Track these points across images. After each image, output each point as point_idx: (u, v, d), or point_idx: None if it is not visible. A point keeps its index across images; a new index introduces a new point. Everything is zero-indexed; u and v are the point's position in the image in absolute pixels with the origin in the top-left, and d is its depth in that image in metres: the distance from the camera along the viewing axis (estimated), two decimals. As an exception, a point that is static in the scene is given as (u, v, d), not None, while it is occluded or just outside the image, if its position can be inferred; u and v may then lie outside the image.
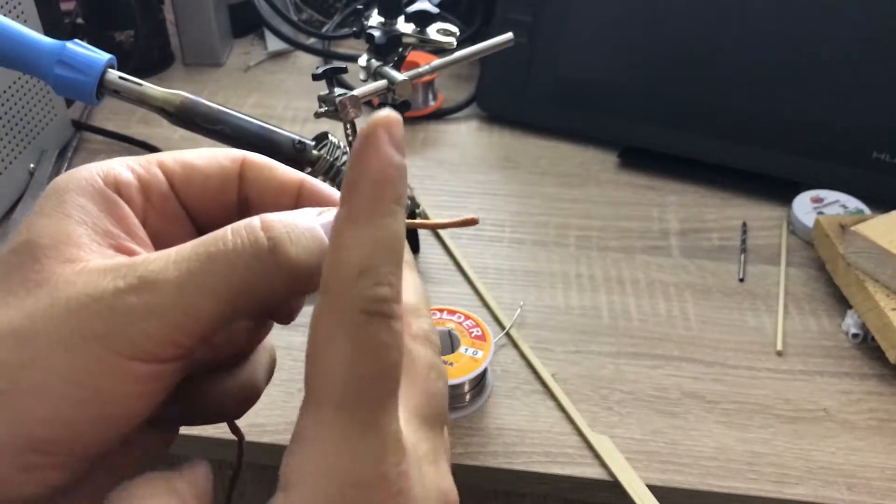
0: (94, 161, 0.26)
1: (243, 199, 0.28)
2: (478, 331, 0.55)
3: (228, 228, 0.24)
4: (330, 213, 0.25)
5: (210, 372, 0.28)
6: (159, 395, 0.24)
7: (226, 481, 0.33)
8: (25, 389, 0.22)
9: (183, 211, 0.28)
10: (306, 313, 0.26)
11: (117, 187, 0.26)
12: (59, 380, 0.22)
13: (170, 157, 0.28)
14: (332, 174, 0.52)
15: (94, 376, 0.22)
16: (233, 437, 0.32)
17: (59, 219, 0.24)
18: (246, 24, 1.01)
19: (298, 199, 0.28)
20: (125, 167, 0.27)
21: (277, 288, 0.24)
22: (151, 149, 0.80)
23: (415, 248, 0.68)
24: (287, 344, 0.59)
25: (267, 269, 0.23)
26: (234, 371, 0.29)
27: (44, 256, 0.23)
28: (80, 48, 0.48)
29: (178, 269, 0.23)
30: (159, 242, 0.27)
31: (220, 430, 0.53)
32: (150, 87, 0.49)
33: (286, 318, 0.28)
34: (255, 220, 0.24)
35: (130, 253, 0.25)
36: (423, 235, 0.70)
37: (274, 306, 0.26)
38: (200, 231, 0.28)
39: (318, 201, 0.27)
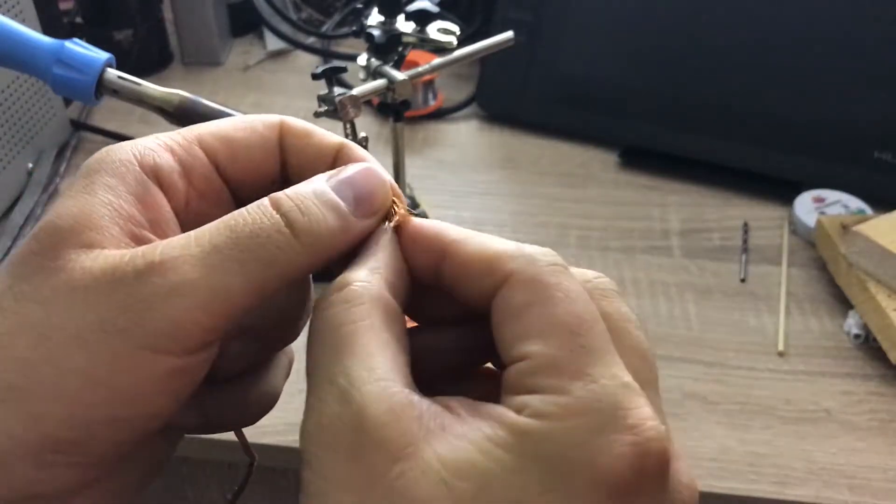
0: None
1: (283, 167, 0.27)
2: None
3: (243, 209, 0.23)
4: (341, 173, 0.25)
5: (229, 378, 0.27)
6: (184, 391, 0.23)
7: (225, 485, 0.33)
8: (42, 388, 0.21)
9: (225, 188, 0.27)
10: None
11: (157, 174, 0.25)
12: (77, 379, 0.21)
13: (209, 134, 0.26)
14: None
15: (113, 374, 0.21)
16: (240, 438, 0.31)
17: (82, 198, 0.23)
18: (245, 23, 1.00)
19: (334, 165, 0.26)
20: (165, 149, 0.25)
21: (302, 260, 0.23)
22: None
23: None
24: (286, 344, 0.59)
25: (288, 242, 0.23)
26: (253, 377, 0.28)
27: (61, 241, 0.23)
28: (78, 47, 0.48)
29: (199, 244, 0.22)
30: (201, 224, 0.25)
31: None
32: (148, 87, 0.49)
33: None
34: (264, 201, 0.24)
35: (145, 241, 0.24)
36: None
37: (298, 280, 0.25)
38: (240, 205, 0.26)
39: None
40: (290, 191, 0.24)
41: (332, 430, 0.20)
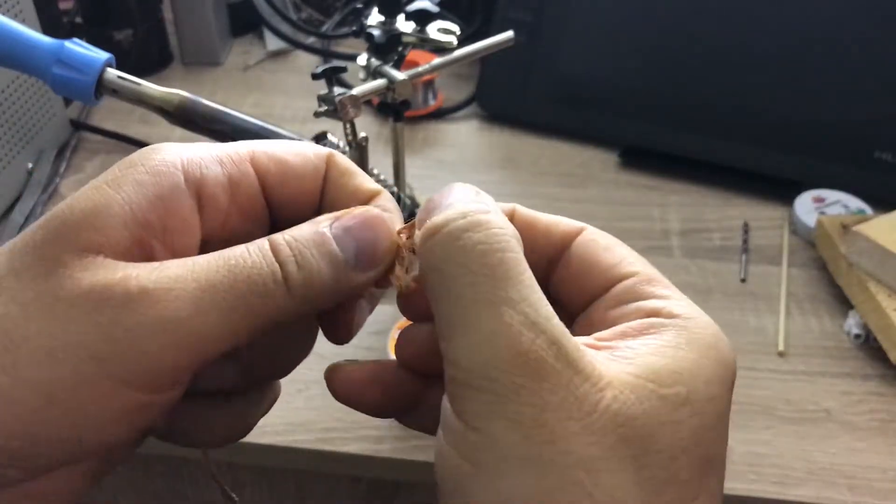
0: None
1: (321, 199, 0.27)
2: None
3: (244, 247, 0.23)
4: (345, 218, 0.24)
5: (203, 394, 0.26)
6: (145, 424, 0.22)
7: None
8: None
9: (267, 211, 0.26)
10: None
11: (200, 186, 0.24)
12: (36, 395, 0.20)
13: (264, 154, 0.26)
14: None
15: (75, 398, 0.20)
16: (204, 457, 0.30)
17: (104, 192, 0.22)
18: (245, 23, 1.00)
19: None
20: (216, 161, 0.25)
21: (289, 311, 0.23)
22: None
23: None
24: (286, 344, 0.59)
25: (280, 292, 0.23)
26: (230, 404, 0.27)
27: (63, 237, 0.22)
28: (78, 47, 0.48)
29: (196, 280, 0.22)
30: (234, 240, 0.24)
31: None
32: (148, 87, 0.49)
33: (339, 338, 0.27)
34: (264, 243, 0.23)
35: (149, 251, 0.23)
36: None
37: (283, 327, 0.25)
38: (276, 229, 0.25)
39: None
40: (290, 235, 0.24)
41: (536, 357, 0.20)
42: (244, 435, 0.28)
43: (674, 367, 0.22)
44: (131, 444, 0.25)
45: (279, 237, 0.23)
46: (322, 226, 0.24)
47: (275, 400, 0.29)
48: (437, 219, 0.22)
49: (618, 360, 0.22)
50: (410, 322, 0.27)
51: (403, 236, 0.25)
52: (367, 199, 0.26)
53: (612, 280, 0.25)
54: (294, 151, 0.26)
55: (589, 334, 0.24)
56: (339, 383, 0.27)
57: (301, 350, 0.28)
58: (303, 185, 0.26)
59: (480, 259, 0.21)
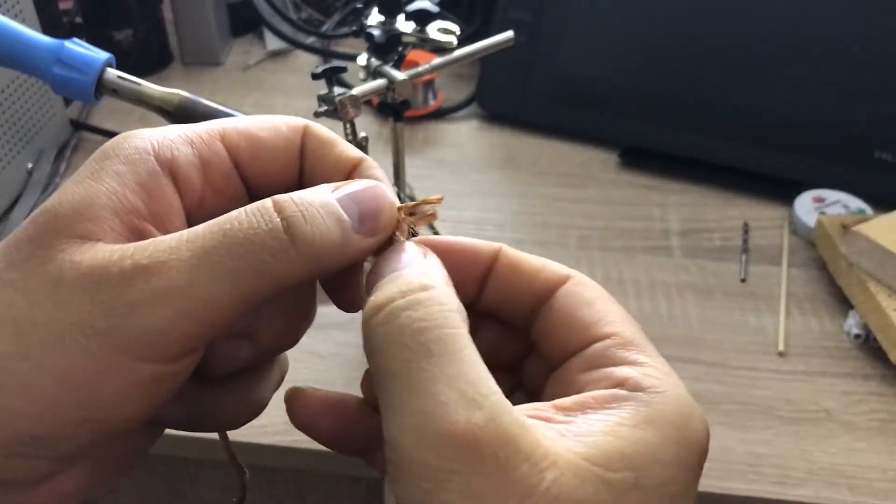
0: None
1: (299, 171, 0.26)
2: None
3: (242, 209, 0.23)
4: (347, 187, 0.24)
5: (216, 377, 0.26)
6: (162, 398, 0.23)
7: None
8: (15, 383, 0.21)
9: (243, 187, 0.26)
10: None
11: (173, 167, 0.24)
12: (52, 379, 0.21)
13: (234, 130, 0.26)
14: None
15: (89, 377, 0.21)
16: (240, 440, 0.31)
17: (88, 185, 0.23)
18: (245, 23, 1.00)
19: (349, 179, 0.26)
20: (185, 142, 0.25)
21: (296, 270, 0.22)
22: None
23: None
24: (286, 344, 0.59)
25: (284, 249, 0.22)
26: (242, 382, 0.27)
27: (57, 229, 0.22)
28: (78, 47, 0.48)
29: (190, 249, 0.22)
30: None
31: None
32: (148, 87, 0.49)
33: (352, 305, 0.27)
34: (266, 202, 0.23)
35: (145, 235, 0.23)
36: (422, 234, 0.70)
37: (292, 290, 0.24)
38: None
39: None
40: (295, 195, 0.23)
41: (468, 438, 0.19)
42: (259, 413, 0.28)
43: (625, 450, 0.20)
44: (149, 427, 0.25)
45: (283, 196, 0.23)
46: (324, 191, 0.24)
47: (284, 374, 0.29)
48: (378, 298, 0.22)
49: (569, 436, 0.20)
50: None
51: (403, 213, 0.26)
52: (351, 167, 0.26)
53: (588, 340, 0.24)
54: (265, 126, 0.26)
55: (560, 395, 0.23)
56: (297, 408, 0.27)
57: (304, 319, 0.28)
58: (277, 159, 0.26)
59: (417, 336, 0.21)
